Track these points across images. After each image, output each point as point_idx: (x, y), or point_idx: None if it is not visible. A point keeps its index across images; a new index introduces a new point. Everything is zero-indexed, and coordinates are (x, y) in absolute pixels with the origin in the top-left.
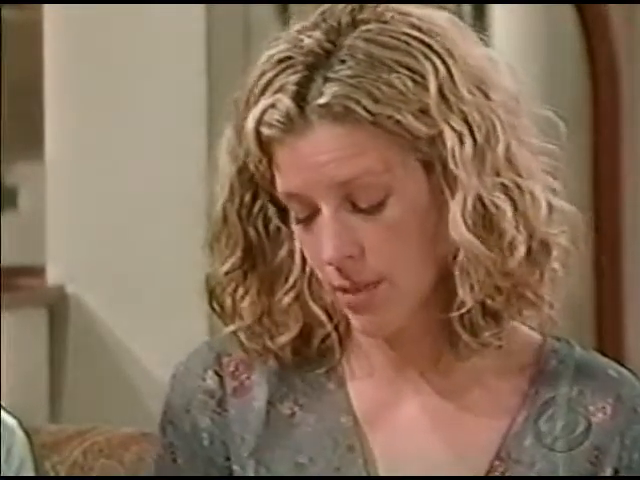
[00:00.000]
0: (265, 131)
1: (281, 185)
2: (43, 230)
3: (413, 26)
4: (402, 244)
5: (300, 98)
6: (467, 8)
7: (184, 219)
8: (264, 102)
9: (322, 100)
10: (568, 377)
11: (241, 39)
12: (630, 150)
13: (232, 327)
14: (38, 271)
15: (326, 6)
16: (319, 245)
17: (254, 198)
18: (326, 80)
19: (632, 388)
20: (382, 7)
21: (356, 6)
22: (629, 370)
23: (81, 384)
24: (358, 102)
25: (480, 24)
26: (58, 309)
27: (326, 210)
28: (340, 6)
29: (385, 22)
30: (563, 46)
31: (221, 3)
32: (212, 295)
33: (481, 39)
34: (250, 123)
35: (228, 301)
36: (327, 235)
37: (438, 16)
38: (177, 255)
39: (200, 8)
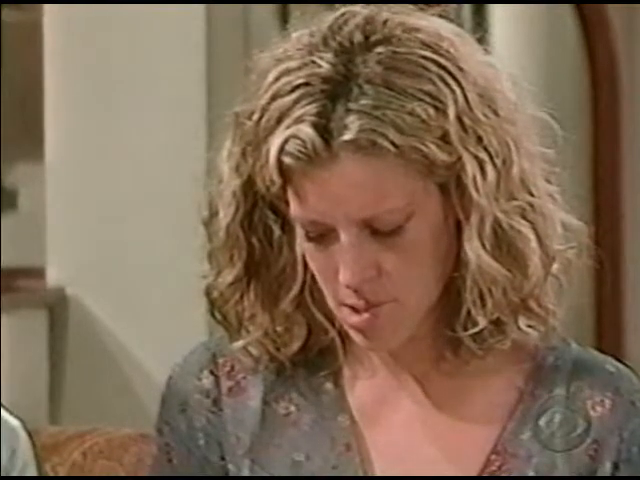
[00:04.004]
0: (287, 161)
1: (299, 211)
2: (43, 231)
3: (423, 44)
4: (417, 265)
5: (324, 130)
6: (467, 8)
7: (184, 221)
8: (285, 132)
9: (348, 136)
10: (565, 373)
11: (241, 40)
12: (630, 150)
13: (241, 343)
14: (38, 273)
15: (335, 15)
16: (332, 264)
17: (253, 207)
18: (348, 111)
19: (630, 382)
20: (390, 24)
21: (366, 21)
22: (627, 366)
23: (81, 385)
24: (384, 135)
25: (480, 24)
26: (58, 311)
27: (345, 237)
28: (350, 21)
29: (397, 43)
30: (563, 46)
31: (221, 3)
32: (214, 306)
33: (480, 41)
34: (272, 153)
35: (232, 313)
36: (346, 261)
37: (441, 26)
38: (177, 257)
39: (200, 9)
